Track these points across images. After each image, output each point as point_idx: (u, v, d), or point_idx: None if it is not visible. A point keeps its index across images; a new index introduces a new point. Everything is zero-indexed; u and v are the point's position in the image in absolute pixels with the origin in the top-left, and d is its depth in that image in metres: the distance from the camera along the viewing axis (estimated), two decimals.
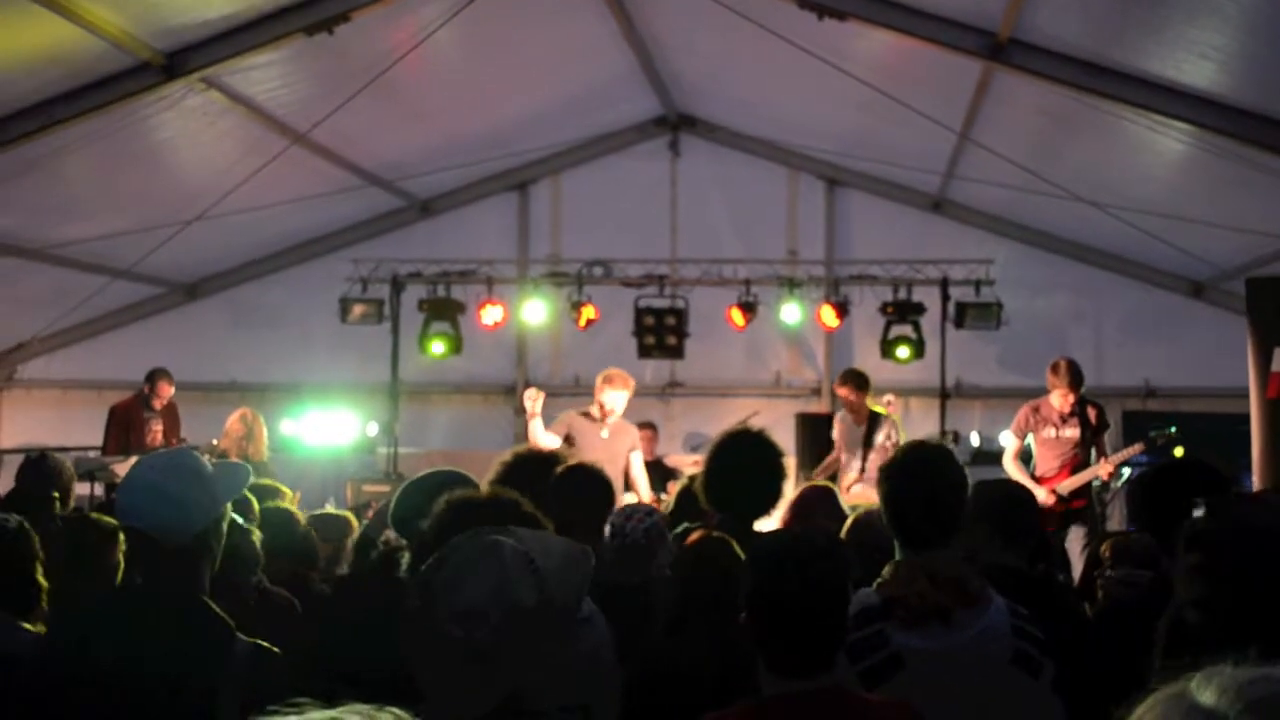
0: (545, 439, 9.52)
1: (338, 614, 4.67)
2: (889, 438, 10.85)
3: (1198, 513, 3.16)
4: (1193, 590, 2.52)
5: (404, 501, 4.39)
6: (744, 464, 4.86)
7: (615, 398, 9.79)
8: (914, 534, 3.53)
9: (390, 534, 4.50)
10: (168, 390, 11.72)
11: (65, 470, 6.84)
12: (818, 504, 5.37)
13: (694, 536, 4.54)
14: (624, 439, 9.84)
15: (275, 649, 3.24)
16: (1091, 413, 10.11)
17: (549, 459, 5.47)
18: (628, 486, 9.65)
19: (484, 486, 4.45)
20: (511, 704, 2.52)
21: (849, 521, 4.85)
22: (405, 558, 4.03)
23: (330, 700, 1.70)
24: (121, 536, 4.36)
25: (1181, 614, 2.53)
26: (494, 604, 2.51)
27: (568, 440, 9.52)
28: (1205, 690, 1.27)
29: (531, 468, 5.14)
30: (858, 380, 11.23)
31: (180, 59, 9.33)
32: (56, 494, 6.54)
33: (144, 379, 11.81)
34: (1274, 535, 2.69)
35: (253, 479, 3.67)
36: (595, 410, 9.85)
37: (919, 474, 3.59)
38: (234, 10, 9.09)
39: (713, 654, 3.81)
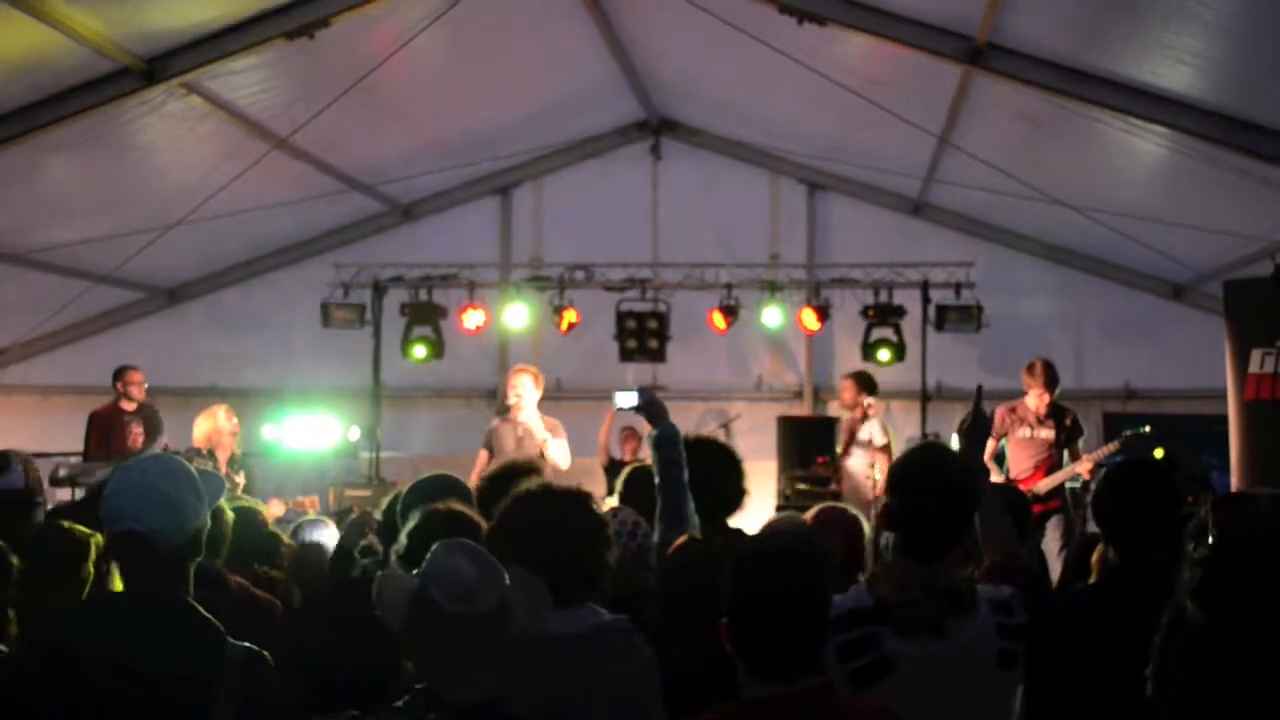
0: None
1: (319, 620, 4.69)
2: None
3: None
4: (1196, 583, 2.54)
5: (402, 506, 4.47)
6: (709, 466, 4.92)
7: (517, 381, 10.04)
8: (919, 543, 3.50)
9: (369, 540, 4.53)
10: (138, 378, 11.46)
11: (30, 468, 6.78)
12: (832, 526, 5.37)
13: (678, 542, 4.56)
14: (534, 441, 9.86)
15: (265, 652, 3.25)
16: (1067, 418, 10.17)
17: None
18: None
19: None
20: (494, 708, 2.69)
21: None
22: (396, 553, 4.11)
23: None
24: (93, 550, 4.35)
25: (1182, 609, 2.55)
26: (487, 585, 2.88)
27: (489, 450, 9.93)
28: None
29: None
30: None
31: (161, 64, 9.33)
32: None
33: (112, 380, 11.54)
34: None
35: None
36: (511, 412, 10.11)
37: (932, 486, 3.51)
38: (214, 15, 9.09)
39: (699, 659, 3.83)
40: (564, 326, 12.84)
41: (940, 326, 12.54)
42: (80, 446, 11.69)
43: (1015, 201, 11.79)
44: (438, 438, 14.13)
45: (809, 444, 11.76)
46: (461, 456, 10.28)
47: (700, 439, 5.23)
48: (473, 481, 5.58)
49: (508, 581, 2.94)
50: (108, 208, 11.78)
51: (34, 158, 10.05)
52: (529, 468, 5.40)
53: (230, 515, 5.16)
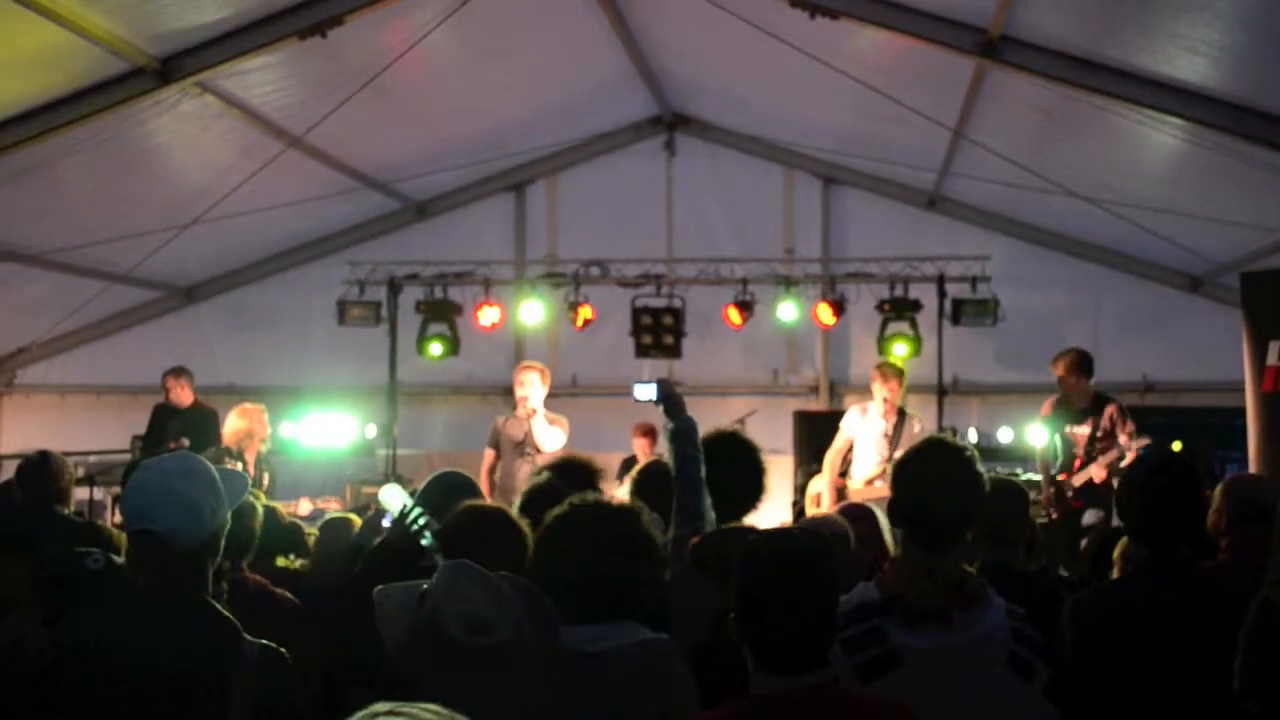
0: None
1: (334, 617, 4.69)
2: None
3: None
4: None
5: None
6: (728, 463, 4.88)
7: (525, 379, 10.02)
8: (924, 535, 3.49)
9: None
10: (170, 382, 11.59)
11: (66, 471, 6.84)
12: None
13: (694, 540, 4.55)
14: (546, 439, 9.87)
15: (282, 649, 3.26)
16: (1105, 415, 10.00)
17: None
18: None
19: None
20: None
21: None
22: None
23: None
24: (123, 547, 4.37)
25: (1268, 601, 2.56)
26: (496, 610, 2.83)
27: (495, 448, 10.02)
28: None
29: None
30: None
31: (175, 63, 9.34)
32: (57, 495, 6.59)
33: None
34: None
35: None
36: (518, 408, 10.06)
37: (935, 477, 3.52)
38: (227, 14, 9.10)
39: (713, 654, 3.83)
40: (579, 323, 12.84)
41: (956, 320, 12.49)
42: (96, 445, 11.83)
43: (1031, 194, 11.75)
44: (454, 434, 14.15)
45: (825, 439, 11.68)
46: (478, 453, 10.33)
47: (719, 434, 5.18)
48: (481, 479, 5.58)
49: (509, 595, 2.89)
50: (123, 207, 11.81)
51: (49, 158, 10.08)
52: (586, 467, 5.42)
53: (260, 512, 5.16)
